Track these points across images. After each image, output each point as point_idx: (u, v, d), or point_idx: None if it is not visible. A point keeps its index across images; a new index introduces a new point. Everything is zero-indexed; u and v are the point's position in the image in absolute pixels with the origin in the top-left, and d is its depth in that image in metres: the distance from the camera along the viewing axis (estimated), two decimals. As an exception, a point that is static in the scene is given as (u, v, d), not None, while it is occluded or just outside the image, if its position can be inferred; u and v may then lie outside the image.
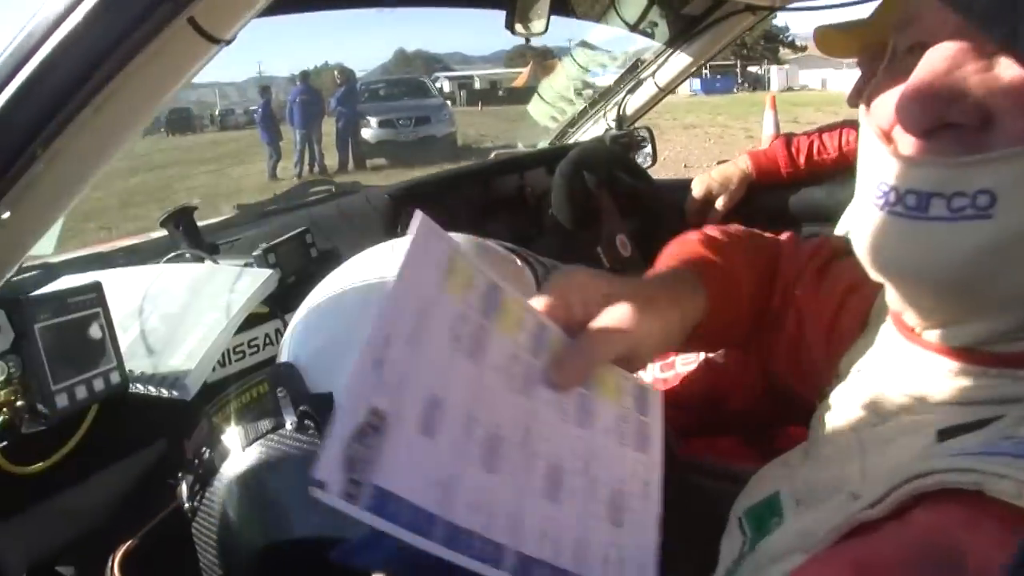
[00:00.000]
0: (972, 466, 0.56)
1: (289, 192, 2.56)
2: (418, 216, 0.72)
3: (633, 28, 2.61)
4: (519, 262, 1.18)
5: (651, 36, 2.67)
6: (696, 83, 71.06)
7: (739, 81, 71.98)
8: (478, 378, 0.74)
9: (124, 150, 1.09)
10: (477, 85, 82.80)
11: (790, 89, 69.26)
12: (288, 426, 1.01)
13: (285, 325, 1.48)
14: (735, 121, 26.11)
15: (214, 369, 1.41)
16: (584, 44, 2.99)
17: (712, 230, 1.09)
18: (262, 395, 1.06)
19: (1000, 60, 0.62)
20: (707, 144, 18.11)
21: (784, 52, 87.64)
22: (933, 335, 0.72)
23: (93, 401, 1.16)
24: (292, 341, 1.12)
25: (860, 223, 0.72)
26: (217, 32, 0.89)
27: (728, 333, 1.05)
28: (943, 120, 0.63)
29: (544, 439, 0.77)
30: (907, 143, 0.66)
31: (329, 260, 1.50)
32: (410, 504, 0.63)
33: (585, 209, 2.21)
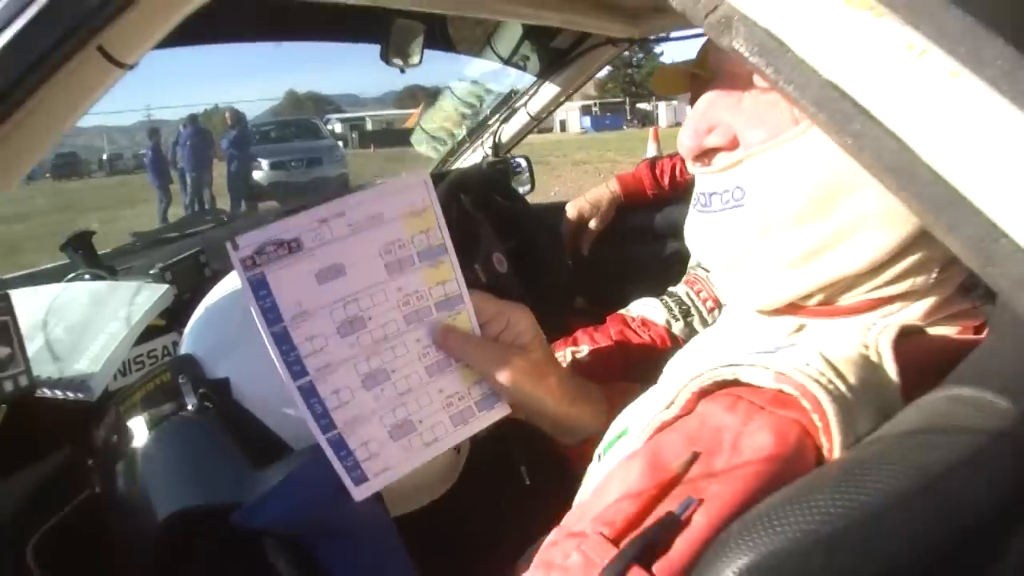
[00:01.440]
0: (733, 362, 0.78)
1: (182, 220, 2.65)
2: (427, 177, 1.07)
3: (506, 62, 2.79)
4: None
5: (524, 69, 2.85)
6: (587, 120, 71.66)
7: (628, 118, 72.73)
8: (382, 285, 1.02)
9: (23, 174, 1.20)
10: (369, 127, 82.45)
11: (678, 124, 70.00)
12: (189, 407, 1.13)
13: (175, 344, 1.59)
14: (624, 156, 26.64)
15: (115, 378, 1.51)
16: (463, 79, 3.17)
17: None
18: (165, 383, 1.17)
19: (743, 94, 0.89)
20: (598, 179, 18.37)
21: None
22: (738, 300, 0.98)
23: (2, 401, 1.25)
24: (190, 337, 1.24)
25: (689, 223, 1.01)
26: (123, 57, 1.01)
27: None
28: (703, 147, 0.92)
29: (403, 362, 1.04)
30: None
31: (221, 278, 1.63)
32: (275, 302, 0.95)
33: (462, 229, 2.35)
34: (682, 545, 0.66)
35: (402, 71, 2.39)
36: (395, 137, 71.59)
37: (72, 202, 34.35)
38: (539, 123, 3.01)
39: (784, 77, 0.60)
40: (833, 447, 0.70)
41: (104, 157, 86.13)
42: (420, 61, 2.40)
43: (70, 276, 1.75)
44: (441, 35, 2.61)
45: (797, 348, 0.78)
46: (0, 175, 1.11)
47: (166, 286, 1.56)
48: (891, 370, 0.75)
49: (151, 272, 1.73)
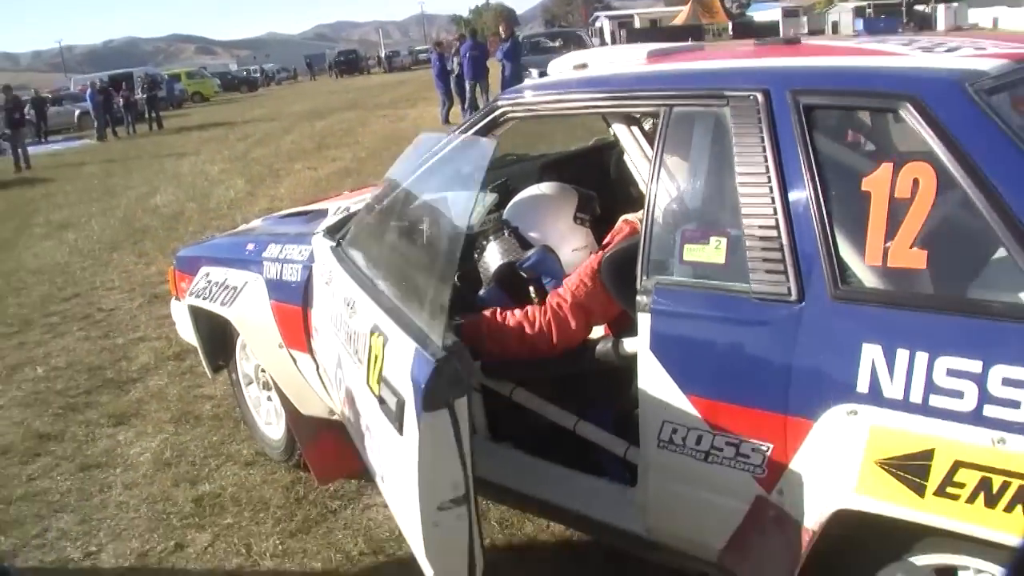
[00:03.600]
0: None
1: (495, 160, 5.04)
2: None
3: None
4: (573, 191, 3.70)
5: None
6: (859, 23, 68.81)
7: (904, 21, 67.45)
8: None
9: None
10: (636, 24, 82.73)
11: (958, 28, 65.56)
12: (505, 234, 3.55)
13: (500, 215, 3.98)
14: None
15: (474, 228, 3.95)
16: None
17: None
18: (497, 226, 3.62)
19: None
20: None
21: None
22: None
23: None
24: (507, 212, 3.70)
25: None
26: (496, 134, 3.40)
27: None
28: None
29: None
30: None
31: (517, 193, 3.96)
32: None
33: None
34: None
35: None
36: (662, 35, 72.50)
37: (359, 99, 37.75)
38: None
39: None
40: None
41: (382, 55, 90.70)
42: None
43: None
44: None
45: None
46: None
47: (495, 195, 4.05)
48: None
49: (489, 187, 4.18)
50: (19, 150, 25.05)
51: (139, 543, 4.16)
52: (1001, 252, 2.06)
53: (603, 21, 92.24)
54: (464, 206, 2.79)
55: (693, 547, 2.75)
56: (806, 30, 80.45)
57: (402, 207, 3.36)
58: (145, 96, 35.74)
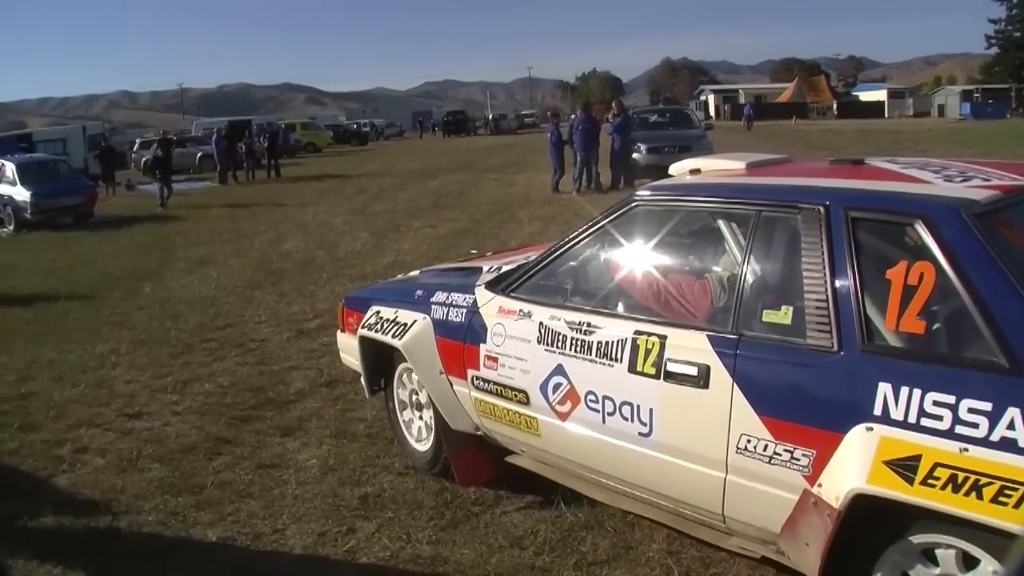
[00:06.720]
0: None
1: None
2: None
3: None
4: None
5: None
6: (966, 107, 67.57)
7: (1013, 106, 68.14)
8: None
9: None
10: (741, 100, 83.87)
11: None
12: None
13: None
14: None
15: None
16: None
17: None
18: None
19: None
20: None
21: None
22: None
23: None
24: None
25: None
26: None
27: None
28: None
29: None
30: None
31: None
32: None
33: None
34: None
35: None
36: (767, 111, 73.12)
37: (468, 161, 39.07)
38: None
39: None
40: None
41: (489, 116, 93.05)
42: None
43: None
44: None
45: None
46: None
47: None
48: None
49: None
50: (164, 188, 27.23)
51: (317, 525, 5.19)
52: (972, 324, 3.05)
53: (708, 94, 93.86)
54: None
55: (759, 532, 3.70)
56: (911, 112, 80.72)
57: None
58: (266, 144, 37.69)
